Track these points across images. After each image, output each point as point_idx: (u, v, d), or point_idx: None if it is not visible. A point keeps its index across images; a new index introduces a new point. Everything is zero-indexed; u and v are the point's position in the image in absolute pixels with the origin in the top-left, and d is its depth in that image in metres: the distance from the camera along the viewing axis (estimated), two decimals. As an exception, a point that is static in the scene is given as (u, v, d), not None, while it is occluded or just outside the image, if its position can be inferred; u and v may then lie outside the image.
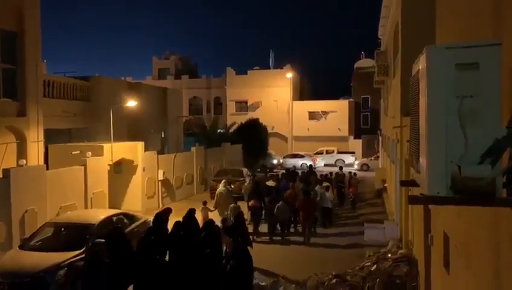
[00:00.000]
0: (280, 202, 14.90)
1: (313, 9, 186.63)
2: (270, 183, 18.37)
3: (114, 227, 9.80)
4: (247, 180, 18.57)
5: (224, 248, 9.00)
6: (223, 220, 11.51)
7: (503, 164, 2.47)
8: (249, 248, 8.68)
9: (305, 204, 14.80)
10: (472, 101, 2.46)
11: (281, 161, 37.89)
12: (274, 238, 14.82)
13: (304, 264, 12.33)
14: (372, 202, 22.06)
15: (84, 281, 7.62)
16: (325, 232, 15.84)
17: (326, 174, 22.40)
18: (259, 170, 24.22)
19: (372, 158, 38.66)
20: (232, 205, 14.23)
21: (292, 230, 15.62)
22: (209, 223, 9.89)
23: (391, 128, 16.99)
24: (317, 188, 17.28)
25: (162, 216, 10.10)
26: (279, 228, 15.24)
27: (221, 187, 15.61)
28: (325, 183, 18.09)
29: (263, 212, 15.70)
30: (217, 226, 9.90)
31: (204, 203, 14.08)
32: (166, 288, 7.40)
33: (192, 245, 8.50)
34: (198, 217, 11.32)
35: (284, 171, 26.12)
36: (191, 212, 10.64)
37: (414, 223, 10.73)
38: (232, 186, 17.03)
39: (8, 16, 15.45)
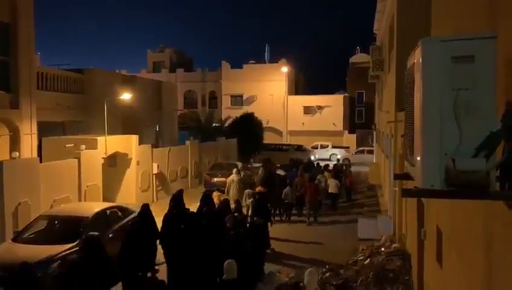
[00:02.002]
0: (287, 187, 16.93)
1: (309, 3, 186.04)
2: (280, 172, 20.22)
3: (144, 203, 11.09)
4: (260, 170, 20.44)
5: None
6: (236, 202, 13.06)
7: (497, 157, 2.47)
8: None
9: (310, 188, 16.70)
10: (467, 94, 2.45)
11: (317, 156, 36.97)
12: (279, 219, 16.89)
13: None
14: (366, 195, 22.34)
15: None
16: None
17: (325, 165, 23.58)
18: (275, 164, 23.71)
19: (354, 152, 38.84)
20: (247, 191, 16.09)
21: (295, 211, 17.49)
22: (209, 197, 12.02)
23: (385, 123, 17.02)
24: (319, 176, 18.94)
25: (177, 196, 11.65)
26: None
27: (233, 175, 17.53)
28: (327, 173, 20.12)
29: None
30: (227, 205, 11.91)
31: (218, 189, 15.93)
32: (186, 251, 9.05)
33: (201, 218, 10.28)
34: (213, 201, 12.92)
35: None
36: (207, 195, 12.51)
37: (407, 218, 10.79)
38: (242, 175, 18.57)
39: (0, 6, 15.28)
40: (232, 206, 12.49)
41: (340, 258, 11.76)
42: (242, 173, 19.33)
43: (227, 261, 7.54)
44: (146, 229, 9.68)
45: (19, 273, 7.15)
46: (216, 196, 13.34)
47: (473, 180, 2.39)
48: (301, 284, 7.39)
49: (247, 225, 11.50)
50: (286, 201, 16.85)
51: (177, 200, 11.29)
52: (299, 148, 37.36)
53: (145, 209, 10.37)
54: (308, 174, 18.94)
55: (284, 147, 36.99)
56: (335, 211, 18.51)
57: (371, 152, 37.45)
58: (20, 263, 7.34)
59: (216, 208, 11.59)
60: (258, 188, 16.14)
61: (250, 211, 13.65)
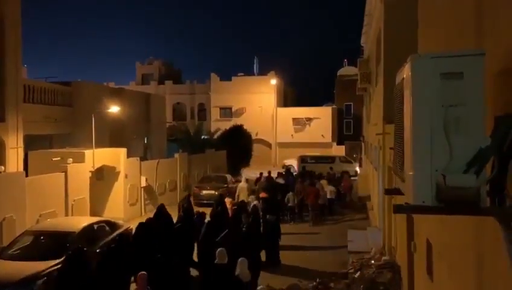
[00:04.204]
0: (289, 193, 19.11)
1: (297, 16, 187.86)
2: (280, 180, 22.50)
3: (160, 204, 13.39)
4: (262, 178, 22.55)
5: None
6: (242, 203, 15.52)
7: (487, 173, 2.48)
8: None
9: (312, 193, 18.85)
10: (456, 110, 2.47)
11: (358, 168, 35.76)
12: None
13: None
14: (356, 207, 22.45)
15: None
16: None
17: (320, 173, 25.53)
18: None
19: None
20: (250, 196, 18.30)
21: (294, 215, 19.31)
22: (220, 199, 15.02)
23: (374, 135, 17.13)
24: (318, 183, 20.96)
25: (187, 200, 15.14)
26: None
27: (242, 183, 20.23)
28: (324, 180, 21.84)
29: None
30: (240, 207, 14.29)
31: (228, 195, 18.27)
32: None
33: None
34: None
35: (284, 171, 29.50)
36: (221, 197, 15.41)
37: (397, 230, 10.81)
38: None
39: (-13, 19, 15.17)
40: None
41: (331, 266, 12.29)
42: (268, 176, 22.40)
43: (219, 249, 8.79)
44: (162, 225, 11.69)
45: (72, 257, 8.06)
46: (228, 201, 15.38)
47: (463, 196, 2.40)
48: (236, 273, 8.25)
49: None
50: (289, 205, 18.82)
51: (187, 204, 14.42)
52: (344, 159, 36.35)
53: (162, 209, 12.57)
54: (308, 180, 21.03)
55: (328, 158, 36.13)
56: (332, 214, 20.16)
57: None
58: (74, 247, 8.49)
59: (231, 210, 14.45)
60: (262, 194, 18.08)
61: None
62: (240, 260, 8.41)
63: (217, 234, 10.97)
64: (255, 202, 16.63)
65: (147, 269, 8.28)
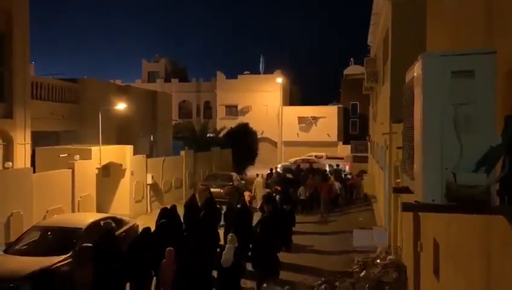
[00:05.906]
0: (301, 187, 21.14)
1: (303, 15, 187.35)
2: (289, 175, 25.11)
3: (192, 194, 15.48)
4: (274, 174, 24.85)
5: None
6: (267, 194, 17.15)
7: (498, 172, 2.47)
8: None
9: (325, 188, 20.61)
10: (467, 109, 2.46)
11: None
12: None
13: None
14: (361, 206, 22.62)
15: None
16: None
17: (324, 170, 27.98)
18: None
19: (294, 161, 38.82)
20: (265, 189, 20.46)
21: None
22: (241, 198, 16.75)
23: (380, 134, 17.07)
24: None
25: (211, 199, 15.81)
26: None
27: (258, 179, 22.28)
28: (332, 177, 23.99)
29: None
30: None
31: (247, 191, 19.69)
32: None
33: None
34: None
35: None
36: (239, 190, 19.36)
37: (403, 229, 10.77)
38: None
39: (-4, 16, 15.26)
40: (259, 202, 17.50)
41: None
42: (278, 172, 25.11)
43: (230, 233, 9.87)
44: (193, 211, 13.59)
45: (104, 238, 9.07)
46: (247, 195, 16.87)
47: (473, 194, 2.39)
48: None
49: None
50: (301, 198, 20.60)
51: (209, 194, 15.90)
52: None
53: (193, 200, 14.51)
54: (319, 176, 23.08)
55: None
56: (339, 207, 22.06)
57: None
58: (106, 229, 9.61)
59: (249, 202, 16.03)
60: (278, 188, 19.84)
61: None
62: (227, 246, 9.04)
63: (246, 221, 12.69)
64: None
65: (174, 247, 9.15)
